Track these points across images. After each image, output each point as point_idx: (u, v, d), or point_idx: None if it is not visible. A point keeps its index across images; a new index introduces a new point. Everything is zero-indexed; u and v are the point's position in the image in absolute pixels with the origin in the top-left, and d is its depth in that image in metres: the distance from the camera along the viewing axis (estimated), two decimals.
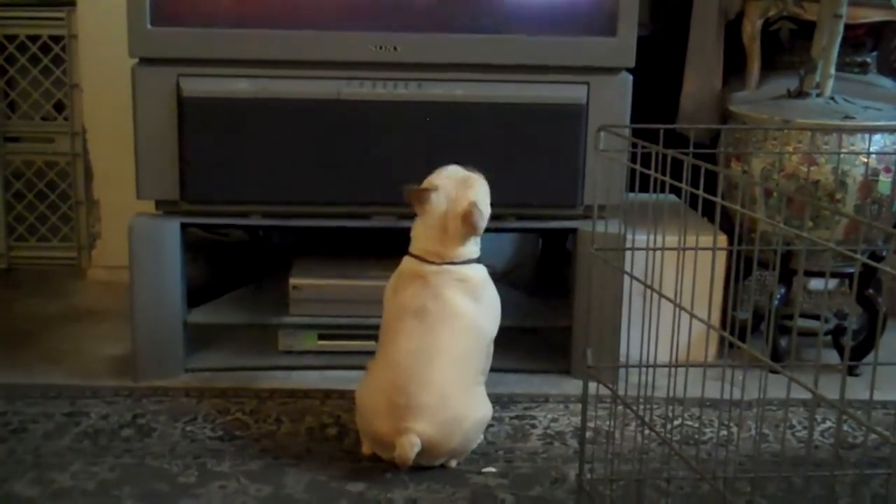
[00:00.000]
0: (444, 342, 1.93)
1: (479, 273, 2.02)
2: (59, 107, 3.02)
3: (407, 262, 2.02)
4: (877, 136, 2.38)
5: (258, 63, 2.20)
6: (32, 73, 2.99)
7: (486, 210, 2.00)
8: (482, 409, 1.99)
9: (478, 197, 1.99)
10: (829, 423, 2.17)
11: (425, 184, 2.00)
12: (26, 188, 3.05)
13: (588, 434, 1.79)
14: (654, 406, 1.80)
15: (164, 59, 2.20)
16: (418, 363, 1.90)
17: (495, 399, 2.12)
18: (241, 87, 2.21)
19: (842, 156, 2.34)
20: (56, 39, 2.96)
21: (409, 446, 1.85)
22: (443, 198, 1.98)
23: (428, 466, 1.93)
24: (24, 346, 2.52)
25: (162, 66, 2.20)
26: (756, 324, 2.53)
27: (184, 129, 2.22)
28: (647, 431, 1.74)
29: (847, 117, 2.39)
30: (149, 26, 2.17)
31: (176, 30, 2.18)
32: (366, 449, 1.98)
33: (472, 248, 2.01)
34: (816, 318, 2.57)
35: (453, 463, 1.96)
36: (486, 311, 2.01)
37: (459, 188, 1.99)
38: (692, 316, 1.55)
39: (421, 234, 2.00)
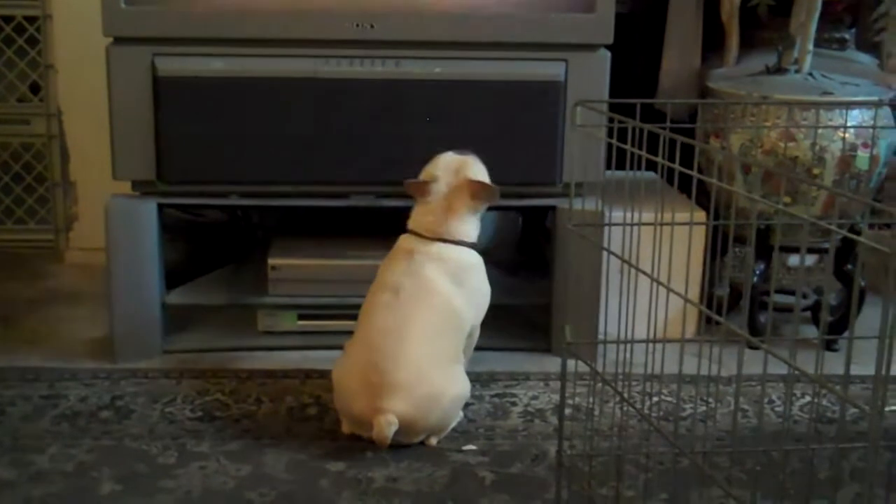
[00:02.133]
0: (416, 318, 1.94)
1: (467, 257, 2.03)
2: (34, 88, 2.99)
3: (401, 239, 2.04)
4: (854, 112, 2.38)
5: (234, 42, 2.19)
6: (7, 54, 2.96)
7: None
8: (459, 386, 1.99)
9: (476, 176, 2.03)
10: (807, 399, 2.18)
11: (424, 175, 2.04)
12: (2, 170, 3.02)
13: (567, 411, 1.80)
14: (633, 382, 1.81)
15: (138, 39, 2.18)
16: (391, 340, 1.90)
17: (475, 377, 2.12)
18: (216, 65, 2.19)
19: (820, 131, 2.34)
20: (31, 20, 2.93)
21: (386, 425, 1.85)
22: (443, 185, 2.02)
23: (408, 444, 1.93)
24: (2, 328, 2.51)
25: (136, 46, 2.18)
26: (735, 300, 2.54)
27: (159, 108, 2.20)
28: (626, 407, 1.75)
29: (825, 93, 2.39)
30: (123, 5, 2.15)
31: (150, 8, 2.16)
32: (345, 428, 1.98)
33: (469, 228, 2.02)
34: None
35: (433, 440, 1.96)
36: (468, 296, 2.01)
37: (457, 173, 2.03)
38: (669, 290, 1.55)
39: (420, 212, 2.04)
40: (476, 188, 2.02)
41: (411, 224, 2.04)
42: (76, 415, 2.05)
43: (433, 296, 1.96)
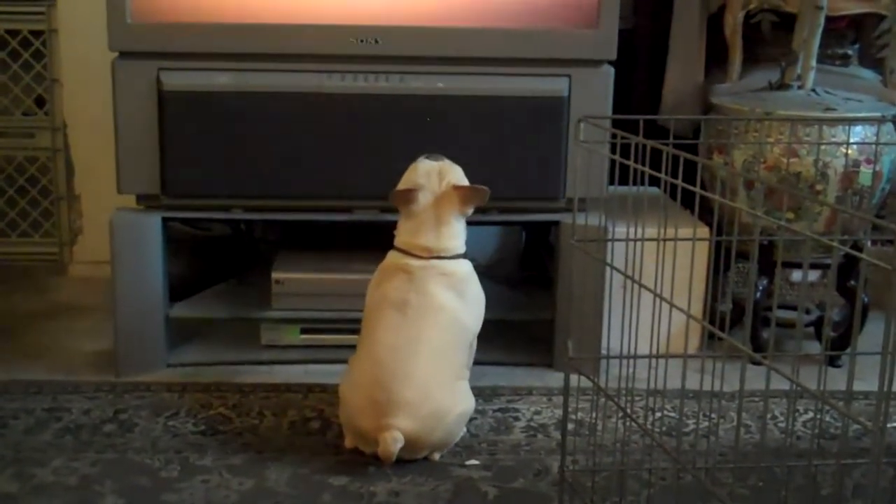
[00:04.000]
0: (424, 336, 1.93)
1: (465, 268, 2.02)
2: (39, 102, 3.00)
3: (392, 256, 2.02)
4: (857, 128, 2.39)
5: (239, 56, 2.20)
6: (13, 68, 2.97)
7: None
8: (464, 403, 1.99)
9: (460, 182, 2.02)
10: (810, 414, 2.18)
11: (406, 184, 2.01)
12: (7, 184, 3.03)
13: (570, 426, 1.79)
14: (636, 398, 1.81)
15: (144, 53, 2.19)
16: (398, 358, 1.90)
17: (478, 392, 2.12)
18: (221, 80, 2.20)
19: (823, 147, 2.35)
20: (36, 34, 2.94)
21: (392, 442, 1.85)
22: (428, 194, 1.99)
23: (411, 459, 1.93)
24: (5, 341, 2.51)
25: (142, 60, 2.19)
26: (738, 316, 2.54)
27: (164, 122, 2.21)
28: (628, 423, 1.74)
29: (828, 109, 2.40)
30: (128, 20, 2.16)
31: (156, 23, 2.17)
32: (348, 442, 1.98)
33: (460, 241, 2.01)
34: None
35: (436, 455, 1.96)
36: (470, 307, 2.01)
37: (440, 180, 2.00)
38: (672, 306, 1.55)
39: (408, 229, 2.01)
40: (466, 193, 2.00)
41: (403, 244, 2.01)
42: (79, 428, 2.06)
43: (441, 312, 1.96)
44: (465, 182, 2.03)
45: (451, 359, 1.98)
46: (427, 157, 2.05)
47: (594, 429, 1.82)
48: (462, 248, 2.02)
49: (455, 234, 2.01)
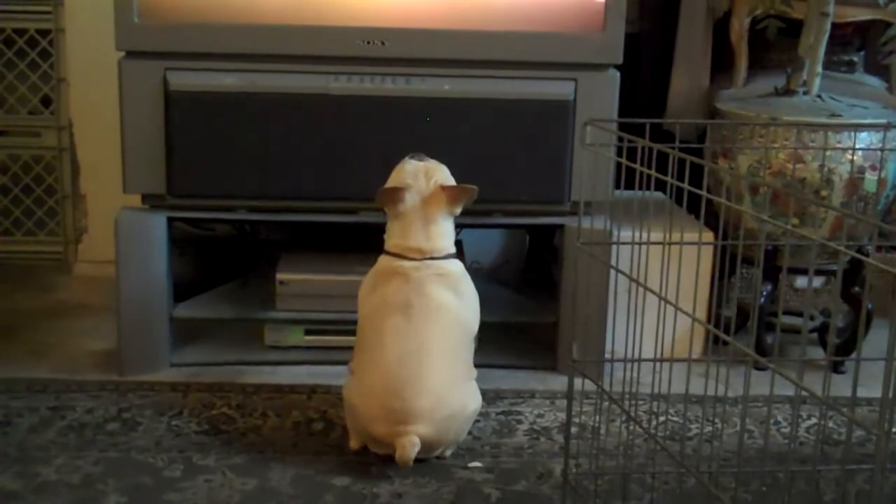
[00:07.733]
0: (433, 339, 1.93)
1: (458, 267, 2.02)
2: (46, 101, 3.01)
3: (384, 259, 2.01)
4: (863, 134, 2.38)
5: (246, 57, 2.20)
6: (19, 66, 2.98)
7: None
8: (474, 402, 2.00)
9: (447, 182, 2.01)
10: (813, 420, 2.18)
11: (393, 184, 2.00)
12: (12, 182, 3.03)
13: (574, 429, 1.79)
14: (640, 401, 1.81)
15: (151, 53, 2.19)
16: (409, 365, 1.89)
17: (482, 394, 2.12)
18: (228, 81, 2.20)
19: (828, 153, 2.35)
20: (43, 33, 2.95)
21: (410, 448, 1.85)
22: (415, 194, 1.98)
23: (422, 459, 1.92)
24: (10, 340, 2.51)
25: (149, 60, 2.19)
26: (742, 321, 2.54)
27: (171, 123, 2.21)
28: (632, 426, 1.74)
29: (833, 115, 2.40)
30: (136, 20, 2.16)
31: (163, 23, 2.18)
32: (353, 444, 1.98)
33: (450, 241, 2.01)
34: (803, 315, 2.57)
35: (447, 452, 1.97)
36: (468, 305, 2.01)
37: (427, 181, 1.99)
38: (677, 309, 1.55)
39: (398, 232, 1.99)
40: (454, 193, 1.98)
41: (394, 247, 1.99)
42: (83, 426, 2.06)
43: (442, 313, 1.95)
44: (451, 181, 2.01)
45: (459, 360, 1.98)
46: (412, 158, 2.04)
47: (597, 432, 1.82)
48: (452, 248, 2.01)
49: (444, 234, 2.00)
